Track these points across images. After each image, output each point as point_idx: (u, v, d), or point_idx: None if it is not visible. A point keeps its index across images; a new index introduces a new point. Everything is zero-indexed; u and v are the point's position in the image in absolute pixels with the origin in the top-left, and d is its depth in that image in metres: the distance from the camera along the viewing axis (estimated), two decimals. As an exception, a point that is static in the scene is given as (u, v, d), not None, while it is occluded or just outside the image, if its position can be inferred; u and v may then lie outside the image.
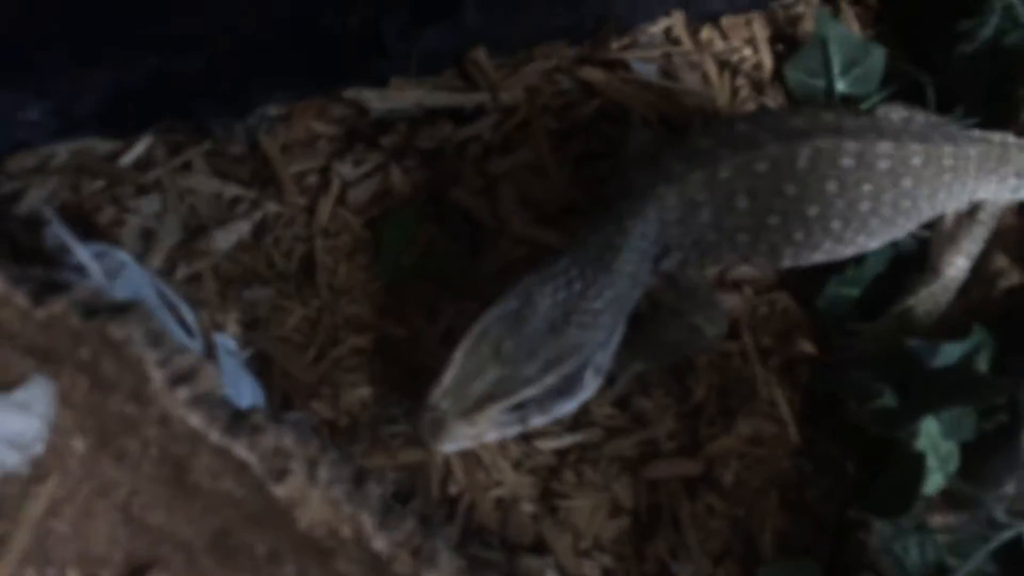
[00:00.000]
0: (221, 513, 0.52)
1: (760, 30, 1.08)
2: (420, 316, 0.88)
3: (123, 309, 0.51)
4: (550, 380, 0.75)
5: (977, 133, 0.93)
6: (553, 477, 0.83)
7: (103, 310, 0.51)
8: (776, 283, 0.93)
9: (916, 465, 0.80)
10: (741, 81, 1.05)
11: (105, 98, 0.87)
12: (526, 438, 0.83)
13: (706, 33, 1.07)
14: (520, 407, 0.75)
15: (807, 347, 0.90)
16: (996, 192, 0.91)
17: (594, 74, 1.02)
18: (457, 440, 0.73)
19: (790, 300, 0.93)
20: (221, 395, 0.53)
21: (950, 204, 0.90)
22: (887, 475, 0.82)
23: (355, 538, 0.51)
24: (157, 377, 0.50)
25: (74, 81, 0.85)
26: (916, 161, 0.85)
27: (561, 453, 0.84)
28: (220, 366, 0.68)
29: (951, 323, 0.91)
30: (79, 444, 0.51)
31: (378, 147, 0.94)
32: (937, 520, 0.82)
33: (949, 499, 0.82)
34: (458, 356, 0.74)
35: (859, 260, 0.90)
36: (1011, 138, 0.92)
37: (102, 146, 0.90)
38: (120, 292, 0.61)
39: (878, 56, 1.02)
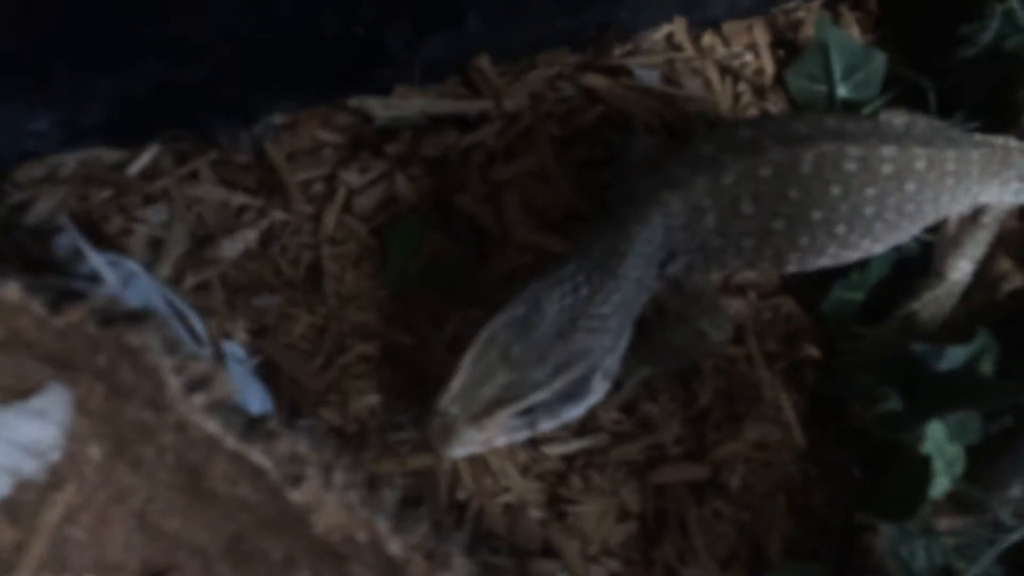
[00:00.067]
0: (236, 519, 0.52)
1: (761, 35, 1.09)
2: (426, 323, 0.88)
3: (139, 317, 0.51)
4: (559, 385, 0.75)
5: (979, 137, 0.93)
6: (560, 482, 0.83)
7: (119, 318, 0.51)
8: (780, 288, 0.93)
9: (922, 468, 0.80)
10: (743, 87, 1.06)
11: (112, 108, 0.87)
12: (533, 444, 0.84)
13: (708, 39, 1.08)
14: (529, 412, 0.75)
15: (812, 351, 0.90)
16: (999, 196, 0.91)
17: (597, 81, 1.02)
18: (466, 445, 0.74)
19: (794, 305, 0.93)
20: (235, 401, 0.53)
21: (953, 208, 0.90)
22: (893, 479, 0.82)
23: (370, 542, 0.51)
24: (174, 384, 0.50)
25: (81, 91, 0.85)
26: (919, 165, 0.86)
27: (568, 458, 0.84)
28: (229, 374, 0.68)
29: (955, 327, 0.91)
30: (95, 451, 0.51)
31: (383, 155, 0.95)
32: (943, 523, 0.82)
33: (955, 502, 0.82)
34: (467, 361, 0.74)
35: (863, 264, 0.91)
36: (1013, 142, 0.92)
37: (109, 156, 0.90)
38: (130, 301, 0.61)
39: (879, 61, 1.02)
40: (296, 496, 0.51)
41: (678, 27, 1.07)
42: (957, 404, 0.82)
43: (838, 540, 0.83)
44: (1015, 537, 0.79)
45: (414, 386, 0.84)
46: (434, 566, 0.53)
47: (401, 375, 0.85)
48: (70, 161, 0.89)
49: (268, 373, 0.81)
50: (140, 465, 0.52)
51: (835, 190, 0.83)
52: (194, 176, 0.91)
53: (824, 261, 0.87)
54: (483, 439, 0.74)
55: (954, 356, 0.85)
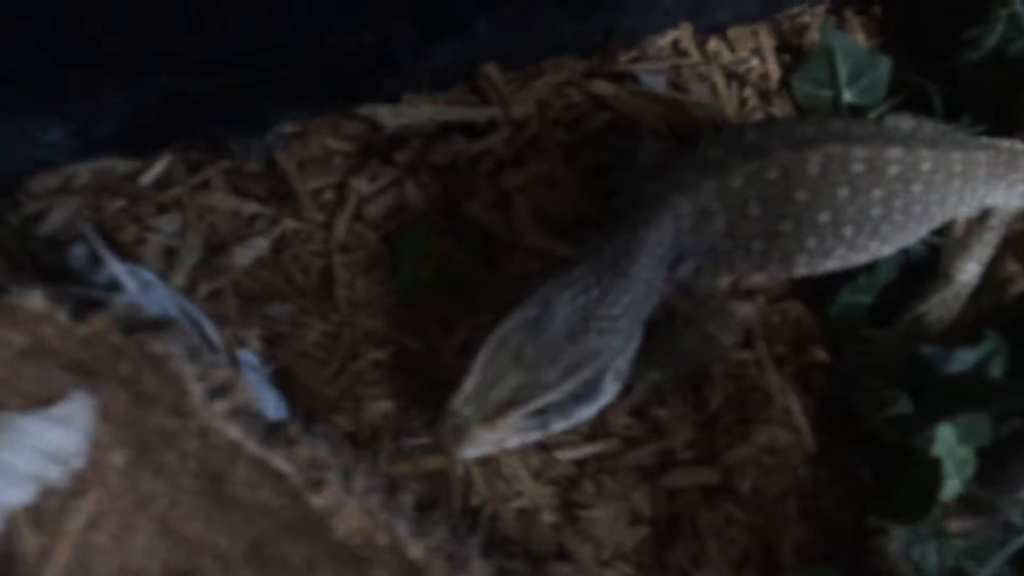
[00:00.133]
0: (258, 523, 0.53)
1: (766, 40, 1.09)
2: (437, 329, 0.88)
3: (161, 325, 0.52)
4: (570, 385, 0.75)
5: (985, 140, 0.94)
6: (573, 487, 0.83)
7: (142, 326, 0.51)
8: (788, 292, 0.94)
9: (933, 471, 0.80)
10: (748, 91, 1.06)
11: (124, 119, 0.88)
12: (545, 448, 0.84)
13: (713, 44, 1.08)
14: (541, 412, 0.75)
15: (821, 355, 0.91)
16: (1006, 198, 0.92)
17: (603, 87, 1.03)
18: (479, 446, 0.74)
19: (803, 309, 0.94)
20: (255, 407, 0.53)
21: (961, 210, 0.91)
22: (904, 481, 0.83)
23: (391, 546, 0.52)
24: (196, 391, 0.51)
25: (94, 103, 0.86)
26: (926, 166, 0.86)
27: (580, 463, 0.84)
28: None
29: (963, 329, 0.92)
30: (119, 458, 0.52)
31: (393, 163, 0.95)
32: (954, 525, 0.83)
33: (966, 504, 0.83)
34: (479, 363, 0.75)
35: (871, 267, 0.91)
36: (1019, 144, 0.93)
37: (122, 166, 0.91)
38: (149, 310, 0.62)
39: (884, 66, 1.03)
40: (317, 500, 0.52)
41: (684, 33, 1.08)
42: (966, 407, 0.82)
43: (849, 543, 0.84)
44: (1026, 538, 0.79)
45: (426, 391, 0.84)
46: (454, 569, 0.53)
47: (413, 381, 0.85)
48: (84, 171, 0.89)
49: (282, 381, 0.82)
50: (162, 471, 0.52)
51: (842, 192, 0.84)
52: (206, 185, 0.91)
53: (832, 263, 0.87)
54: (495, 440, 0.74)
55: (963, 359, 0.86)
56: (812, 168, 0.83)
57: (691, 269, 0.84)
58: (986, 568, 0.81)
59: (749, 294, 0.93)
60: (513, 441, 0.76)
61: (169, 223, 0.88)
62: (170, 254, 0.87)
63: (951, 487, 0.81)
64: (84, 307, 0.52)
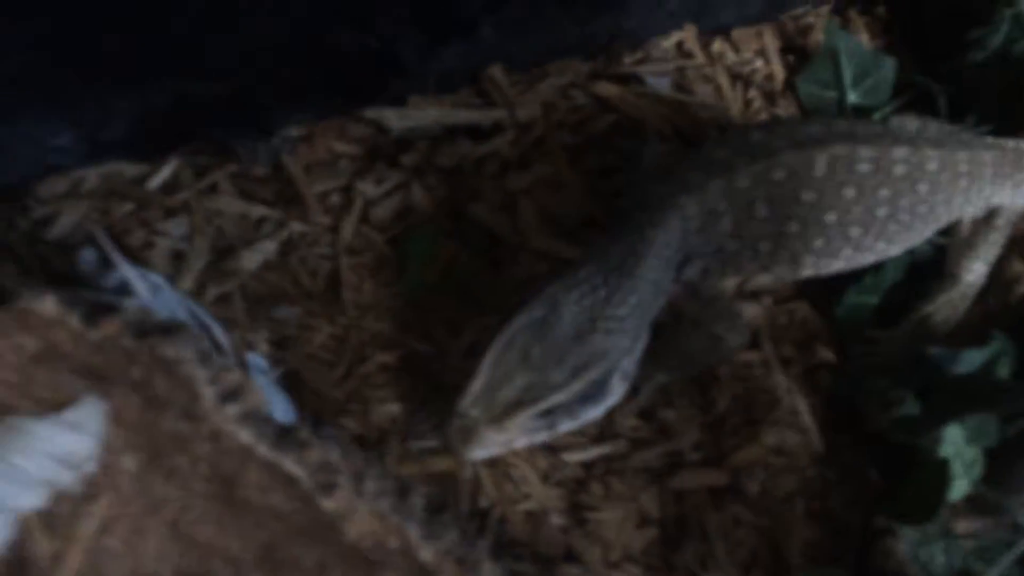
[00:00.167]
0: (269, 527, 0.53)
1: (771, 41, 1.10)
2: (444, 331, 0.89)
3: (172, 329, 0.52)
4: (578, 386, 0.75)
5: (991, 140, 0.94)
6: (581, 489, 0.83)
7: (153, 330, 0.52)
8: (795, 293, 0.94)
9: (940, 472, 0.80)
10: (753, 92, 1.06)
11: (132, 123, 0.88)
12: (553, 451, 0.84)
13: (717, 46, 1.08)
14: (549, 413, 0.75)
15: (827, 355, 0.91)
16: (1012, 198, 0.92)
17: (608, 89, 1.03)
18: (487, 447, 0.74)
19: (809, 309, 0.94)
20: (266, 411, 0.53)
21: (967, 209, 0.91)
22: (911, 482, 0.83)
23: (402, 549, 0.52)
24: (207, 395, 0.51)
25: (102, 107, 0.86)
26: (932, 166, 0.86)
27: (588, 465, 0.84)
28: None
29: (970, 329, 0.92)
30: (130, 462, 0.52)
31: (399, 165, 0.95)
32: (962, 526, 0.83)
33: (974, 505, 0.83)
34: (486, 364, 0.75)
35: (877, 268, 0.91)
36: (1024, 144, 0.93)
37: (130, 170, 0.91)
38: (159, 314, 0.62)
39: (889, 67, 1.03)
40: (328, 504, 0.52)
41: (688, 34, 1.08)
42: (974, 407, 0.82)
43: (857, 543, 0.84)
44: (1034, 539, 0.79)
45: (433, 394, 0.85)
46: (464, 572, 0.53)
47: (420, 383, 0.85)
48: (92, 176, 0.89)
49: (290, 383, 0.82)
50: (174, 475, 0.52)
51: (848, 192, 0.84)
52: (213, 189, 0.91)
53: (839, 264, 0.87)
54: (503, 440, 0.74)
55: (970, 359, 0.86)
56: (818, 168, 0.83)
57: (698, 270, 0.84)
58: (994, 569, 0.81)
59: (755, 295, 0.93)
60: (521, 442, 0.76)
61: (177, 227, 0.88)
62: (178, 258, 0.87)
63: (959, 488, 0.81)
64: (96, 312, 0.52)
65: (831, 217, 0.84)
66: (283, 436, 0.52)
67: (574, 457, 0.84)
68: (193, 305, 0.71)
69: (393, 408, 0.84)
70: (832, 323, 0.93)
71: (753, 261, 0.85)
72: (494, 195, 0.95)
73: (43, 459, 0.51)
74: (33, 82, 0.80)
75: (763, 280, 0.88)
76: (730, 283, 0.88)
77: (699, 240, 0.83)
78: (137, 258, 0.82)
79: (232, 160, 0.92)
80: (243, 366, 0.70)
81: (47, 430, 0.51)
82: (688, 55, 1.07)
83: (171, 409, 0.52)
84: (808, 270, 0.87)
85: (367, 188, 0.94)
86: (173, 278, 0.83)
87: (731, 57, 1.08)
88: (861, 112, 1.03)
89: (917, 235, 0.89)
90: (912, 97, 1.03)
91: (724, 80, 1.06)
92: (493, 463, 0.82)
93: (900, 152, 0.85)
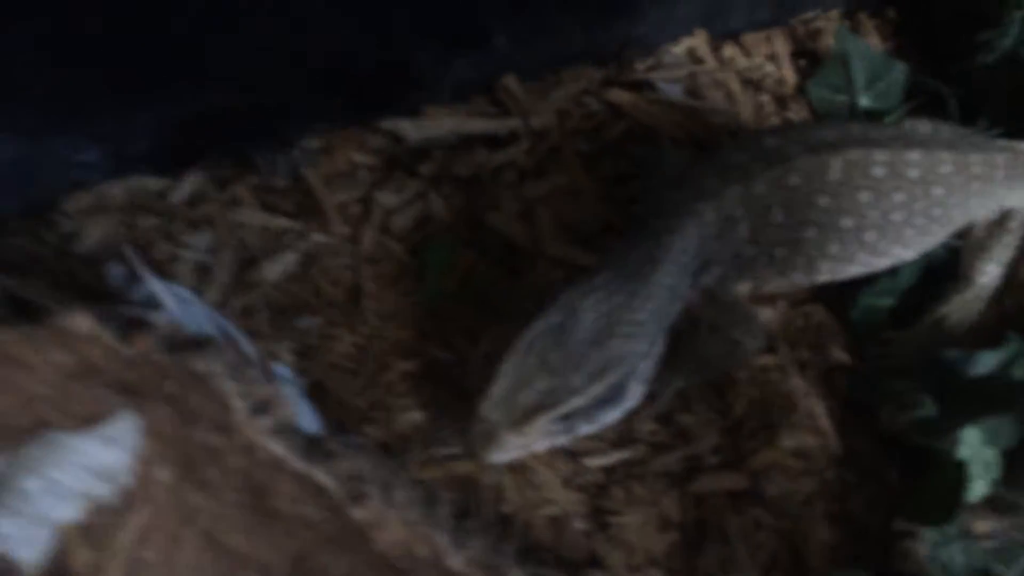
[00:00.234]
0: (300, 536, 0.54)
1: (781, 46, 1.10)
2: (464, 339, 0.89)
3: (203, 344, 0.53)
4: (596, 390, 0.76)
5: (1003, 142, 0.94)
6: (602, 494, 0.84)
7: (185, 345, 0.53)
8: (810, 296, 0.94)
9: (958, 474, 0.81)
10: (764, 97, 1.07)
11: (155, 137, 0.89)
12: (573, 456, 0.85)
13: (728, 51, 1.09)
14: (567, 417, 0.76)
15: (843, 358, 0.91)
16: (1024, 200, 0.92)
17: (621, 96, 1.04)
18: (507, 450, 0.75)
19: (824, 312, 0.94)
20: (295, 423, 0.54)
21: (980, 212, 0.91)
22: (929, 484, 0.83)
23: (431, 557, 0.53)
24: (239, 408, 0.52)
25: (126, 123, 0.87)
26: (945, 169, 0.87)
27: (608, 470, 0.85)
28: (281, 395, 0.69)
29: (985, 331, 0.92)
30: (165, 474, 0.53)
31: (416, 175, 0.96)
32: (981, 526, 0.83)
33: (992, 505, 0.83)
34: (506, 368, 0.75)
35: (892, 271, 0.92)
36: (1036, 146, 0.93)
37: (153, 184, 0.92)
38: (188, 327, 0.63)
39: (900, 71, 1.03)
40: (358, 513, 0.53)
41: (699, 40, 1.08)
42: (992, 409, 0.82)
43: (878, 545, 0.84)
44: (1053, 539, 0.80)
45: (454, 401, 0.85)
46: (493, 578, 0.54)
47: (441, 391, 0.86)
48: (116, 190, 0.91)
49: (314, 392, 0.83)
50: (207, 486, 0.53)
51: (864, 196, 0.84)
52: (235, 201, 0.92)
53: (855, 269, 0.88)
54: (523, 444, 0.75)
55: (986, 361, 0.86)
56: (834, 173, 0.84)
57: (715, 276, 0.85)
58: (1013, 569, 0.81)
59: (770, 299, 0.94)
60: (540, 445, 0.77)
61: (200, 240, 0.89)
62: (203, 270, 0.88)
63: (977, 489, 0.81)
64: (129, 328, 0.53)
65: (847, 222, 0.84)
66: (313, 447, 0.53)
67: (595, 462, 0.85)
68: (219, 317, 0.72)
69: (415, 416, 0.85)
70: (847, 326, 0.93)
71: (770, 267, 0.86)
72: (511, 203, 0.96)
73: (80, 472, 0.52)
74: (59, 100, 0.82)
75: (778, 284, 0.89)
76: (745, 288, 0.89)
77: (716, 246, 0.83)
78: (163, 271, 0.83)
79: (253, 172, 0.94)
80: (269, 377, 0.71)
81: (84, 444, 0.52)
82: (699, 60, 1.08)
83: (204, 422, 0.53)
84: (824, 275, 0.87)
85: (386, 198, 0.94)
86: (199, 290, 0.84)
87: (742, 62, 1.09)
88: (872, 116, 1.03)
89: (932, 239, 0.89)
90: (923, 100, 1.03)
91: (735, 85, 1.07)
92: (515, 469, 0.83)
93: (914, 155, 0.86)
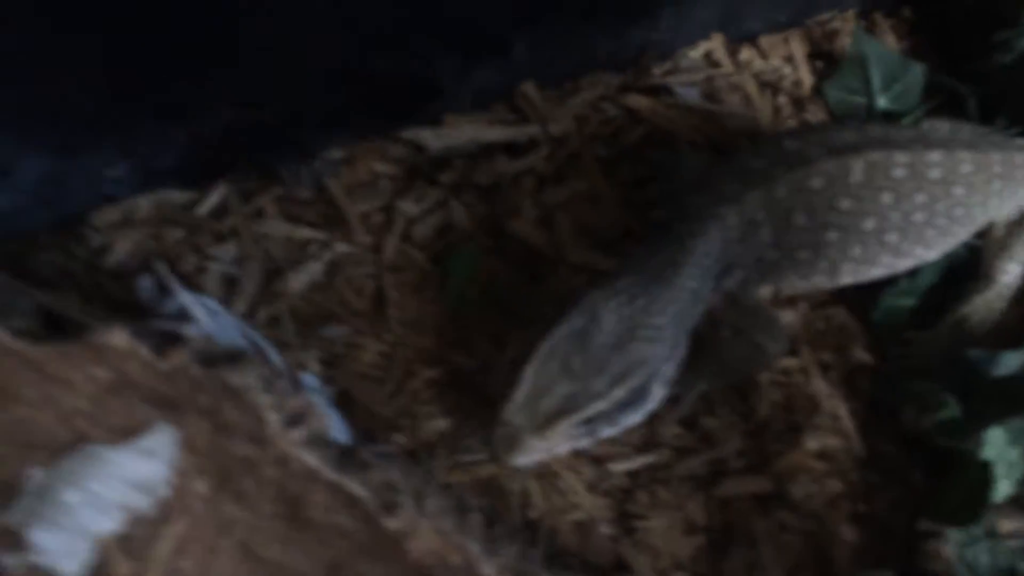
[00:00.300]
0: (334, 545, 0.55)
1: (798, 48, 1.10)
2: (487, 346, 0.90)
3: (237, 357, 0.54)
4: (618, 394, 0.76)
5: (1022, 141, 0.94)
6: (627, 498, 0.84)
7: (220, 359, 0.54)
8: (831, 298, 0.95)
9: (983, 474, 0.81)
10: (782, 99, 1.07)
11: (182, 151, 0.90)
12: (598, 461, 0.85)
13: (745, 53, 1.09)
14: (590, 421, 0.76)
15: (865, 359, 0.92)
16: (1045, 199, 0.92)
17: (639, 101, 1.04)
18: (530, 454, 0.75)
19: (845, 314, 0.94)
20: (328, 434, 0.55)
21: (1001, 211, 0.91)
22: (954, 484, 0.83)
23: (464, 565, 0.54)
24: (273, 420, 0.53)
25: (155, 138, 0.88)
26: (966, 168, 0.87)
27: (633, 475, 0.86)
28: (310, 405, 0.70)
29: (1007, 331, 0.92)
30: (202, 486, 0.54)
31: (437, 184, 0.97)
32: (1006, 526, 0.83)
33: (1018, 505, 0.83)
34: (528, 373, 0.76)
35: (912, 271, 0.92)
36: (1056, 145, 0.93)
37: (179, 197, 0.93)
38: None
39: (917, 72, 1.03)
40: (392, 523, 0.54)
41: (716, 43, 1.09)
42: (1015, 409, 0.82)
43: (903, 546, 0.84)
44: (1079, 538, 0.80)
45: (478, 407, 0.86)
46: (524, 585, 0.55)
47: (466, 397, 0.87)
48: (143, 204, 0.92)
49: (341, 401, 0.84)
50: (243, 497, 0.54)
51: (886, 198, 0.84)
52: (260, 213, 0.94)
53: (877, 271, 0.88)
54: (546, 448, 0.76)
55: (1009, 361, 0.86)
56: (855, 175, 0.84)
57: (738, 280, 0.85)
58: (1040, 568, 0.81)
59: (791, 301, 0.94)
60: (563, 448, 0.77)
61: (226, 251, 0.90)
62: (229, 282, 0.89)
63: (1002, 489, 0.82)
64: (164, 343, 0.54)
65: (869, 224, 0.85)
66: (346, 458, 0.54)
67: (619, 467, 0.85)
68: (247, 328, 0.73)
69: (441, 423, 0.86)
70: (869, 327, 0.94)
71: (792, 270, 0.86)
72: (531, 210, 0.96)
73: (119, 485, 0.53)
74: (91, 117, 0.83)
75: (800, 287, 0.89)
76: (767, 291, 0.89)
77: (738, 250, 0.84)
78: (191, 283, 0.84)
79: (277, 184, 0.95)
80: (298, 386, 0.72)
81: (122, 457, 0.53)
82: (716, 64, 1.08)
83: (238, 434, 0.54)
84: (846, 278, 0.87)
85: (407, 207, 0.95)
86: (227, 302, 0.85)
87: (759, 64, 1.09)
88: (890, 117, 1.03)
89: (954, 239, 0.89)
90: (941, 101, 1.03)
91: (752, 88, 1.07)
92: (540, 475, 0.83)
93: (935, 156, 0.86)
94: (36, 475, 0.54)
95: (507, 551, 0.56)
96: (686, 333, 0.83)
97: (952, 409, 0.84)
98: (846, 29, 1.11)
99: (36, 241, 0.89)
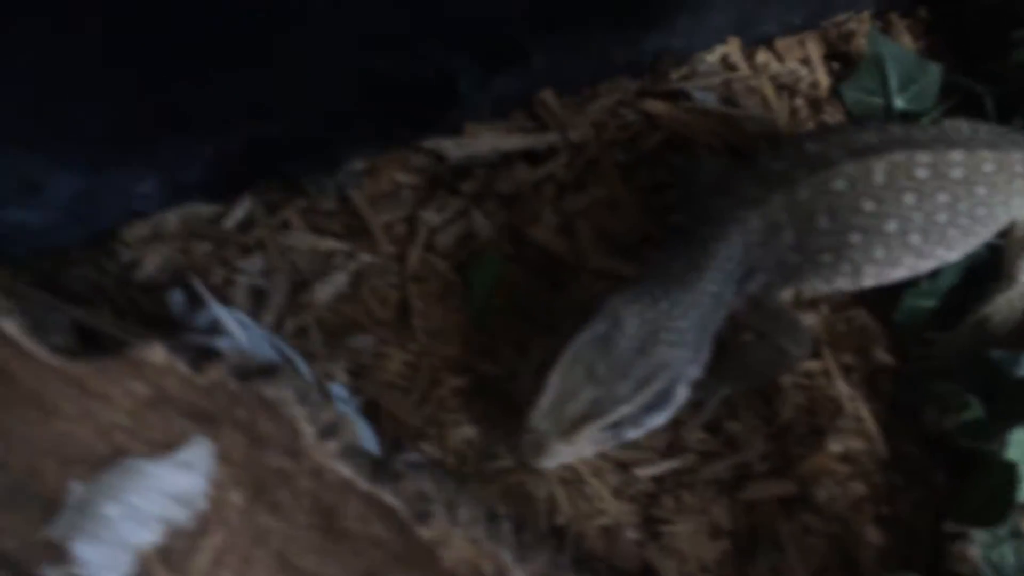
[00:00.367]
0: (368, 555, 0.55)
1: (814, 49, 1.11)
2: (511, 353, 0.91)
3: (272, 370, 0.55)
4: (643, 398, 0.77)
5: (1041, 140, 0.94)
6: (653, 503, 0.85)
7: (255, 373, 0.55)
8: (852, 300, 0.95)
9: (1008, 475, 0.81)
10: (799, 101, 1.07)
11: (209, 166, 0.91)
12: (623, 466, 0.86)
13: (762, 56, 1.09)
14: (615, 424, 0.77)
15: (887, 360, 0.92)
16: (1066, 198, 0.92)
17: (657, 106, 1.05)
18: (556, 458, 0.76)
19: (867, 315, 0.95)
20: (361, 445, 0.56)
21: (1022, 211, 0.91)
22: (978, 485, 0.83)
23: (496, 573, 0.54)
24: (308, 432, 0.54)
25: (183, 154, 0.90)
26: (988, 168, 0.87)
27: (658, 479, 0.86)
28: (339, 415, 0.71)
29: (1030, 332, 0.92)
30: (238, 497, 0.55)
31: (459, 193, 0.98)
32: (1031, 526, 0.83)
33: (1043, 505, 0.83)
34: (554, 379, 0.77)
35: (934, 272, 0.92)
36: (1075, 143, 0.93)
37: (206, 210, 0.95)
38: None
39: (934, 72, 1.03)
40: (425, 532, 0.55)
41: (732, 47, 1.09)
42: (1039, 410, 0.83)
43: (927, 547, 0.85)
44: (1105, 537, 0.80)
45: (504, 415, 0.87)
46: (555, 592, 0.55)
47: (492, 405, 0.88)
48: (171, 218, 0.93)
49: (368, 411, 0.85)
50: (278, 509, 0.55)
51: (908, 199, 0.85)
52: (285, 225, 0.95)
53: (900, 272, 0.88)
54: (572, 452, 0.77)
55: (1033, 361, 0.86)
56: (877, 176, 0.84)
57: (761, 284, 0.85)
58: (1066, 568, 0.81)
59: (813, 303, 0.94)
60: (588, 452, 0.78)
61: (253, 264, 0.92)
62: (256, 294, 0.91)
63: (1028, 489, 0.82)
64: (200, 357, 0.55)
65: (891, 225, 0.85)
66: (379, 468, 0.55)
67: (645, 472, 0.86)
68: (277, 340, 0.74)
69: (468, 431, 0.86)
70: (890, 328, 0.94)
71: (815, 273, 0.86)
72: (551, 217, 0.97)
73: (158, 497, 0.54)
74: (121, 134, 0.84)
75: (823, 290, 0.90)
76: (789, 294, 0.90)
77: (761, 253, 0.84)
78: (219, 296, 0.85)
79: (301, 196, 0.96)
80: (327, 397, 0.73)
81: (160, 470, 0.54)
82: (733, 68, 1.08)
83: (274, 447, 0.55)
84: (869, 280, 0.88)
85: (430, 217, 0.96)
86: (255, 314, 0.86)
87: (775, 67, 1.09)
88: (908, 118, 1.03)
89: (976, 239, 0.89)
90: (958, 100, 1.03)
91: (769, 91, 1.08)
92: (567, 481, 0.84)
93: (956, 156, 0.86)
94: (77, 489, 0.55)
95: (537, 558, 0.56)
96: (709, 337, 0.83)
97: (975, 410, 0.84)
98: (862, 30, 1.11)
99: (68, 257, 0.90)
